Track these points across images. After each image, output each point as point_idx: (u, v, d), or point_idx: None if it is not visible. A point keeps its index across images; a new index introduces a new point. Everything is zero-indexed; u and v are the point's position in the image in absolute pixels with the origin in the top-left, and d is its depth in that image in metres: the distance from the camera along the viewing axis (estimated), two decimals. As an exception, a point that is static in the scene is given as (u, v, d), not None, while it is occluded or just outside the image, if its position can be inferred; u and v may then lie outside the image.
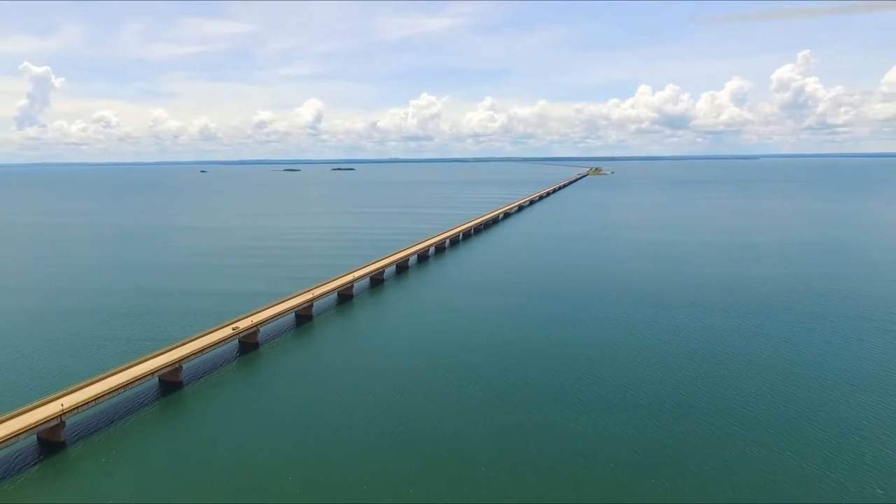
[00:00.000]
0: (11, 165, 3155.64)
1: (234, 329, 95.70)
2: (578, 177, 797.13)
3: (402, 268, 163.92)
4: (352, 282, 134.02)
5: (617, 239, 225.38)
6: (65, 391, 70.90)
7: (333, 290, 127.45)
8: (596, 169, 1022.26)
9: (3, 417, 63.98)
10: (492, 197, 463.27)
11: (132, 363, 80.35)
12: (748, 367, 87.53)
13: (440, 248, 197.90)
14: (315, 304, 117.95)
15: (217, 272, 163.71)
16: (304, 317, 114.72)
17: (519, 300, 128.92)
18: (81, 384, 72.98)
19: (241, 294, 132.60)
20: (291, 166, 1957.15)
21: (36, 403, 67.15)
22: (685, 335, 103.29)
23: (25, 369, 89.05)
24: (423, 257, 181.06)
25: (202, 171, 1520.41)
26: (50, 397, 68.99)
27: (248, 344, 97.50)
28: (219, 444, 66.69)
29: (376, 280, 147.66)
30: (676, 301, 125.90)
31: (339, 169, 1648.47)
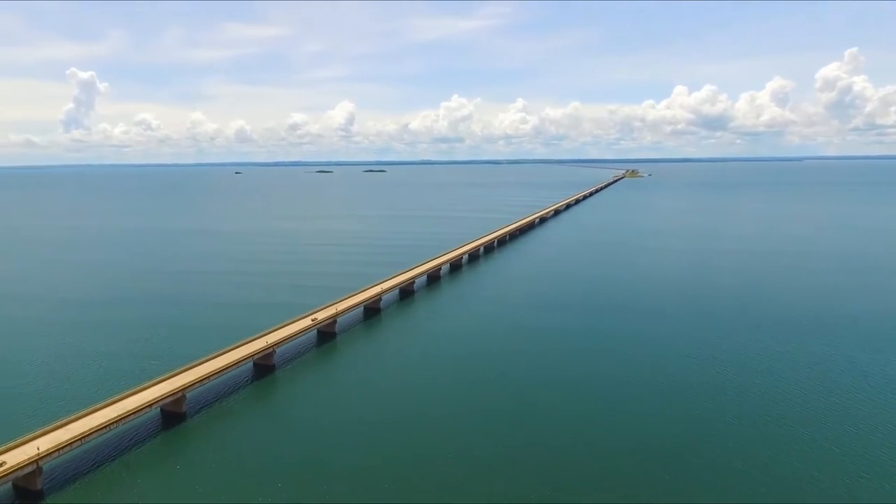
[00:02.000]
0: (58, 166, 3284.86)
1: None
2: (615, 179, 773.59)
3: (433, 278, 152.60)
4: (380, 294, 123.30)
5: (661, 246, 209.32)
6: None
7: (360, 303, 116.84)
8: (632, 171, 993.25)
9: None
10: (526, 199, 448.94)
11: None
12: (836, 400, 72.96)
13: (474, 257, 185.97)
14: (339, 319, 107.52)
15: (236, 282, 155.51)
16: (327, 334, 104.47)
17: (557, 314, 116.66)
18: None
19: (259, 309, 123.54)
20: (324, 168, 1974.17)
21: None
22: (741, 358, 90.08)
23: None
24: (455, 266, 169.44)
25: (237, 173, 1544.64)
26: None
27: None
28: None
29: (406, 292, 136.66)
30: (730, 320, 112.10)
31: (370, 170, 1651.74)
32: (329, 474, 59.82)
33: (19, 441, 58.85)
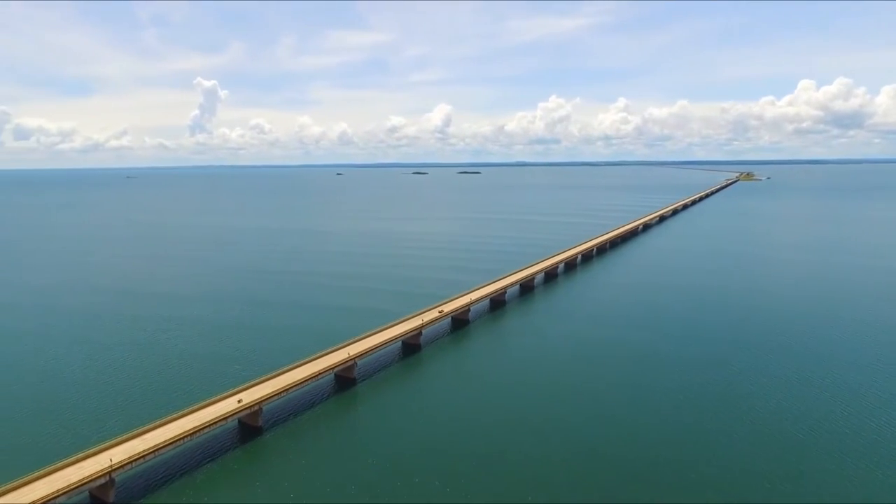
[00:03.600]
0: (185, 168, 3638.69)
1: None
2: (727, 183, 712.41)
3: (526, 288, 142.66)
4: (468, 304, 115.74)
5: (782, 259, 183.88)
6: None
7: (447, 314, 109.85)
8: (747, 174, 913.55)
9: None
10: (627, 204, 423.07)
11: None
12: None
13: (571, 265, 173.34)
14: (423, 331, 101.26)
15: (320, 287, 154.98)
16: (413, 345, 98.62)
17: (656, 338, 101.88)
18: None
19: (343, 315, 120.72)
20: (419, 169, 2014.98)
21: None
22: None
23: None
24: (550, 276, 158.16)
25: (338, 174, 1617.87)
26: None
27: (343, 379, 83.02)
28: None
29: (497, 302, 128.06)
30: (863, 355, 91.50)
31: (465, 172, 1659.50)
32: (407, 492, 57.57)
33: (94, 450, 57.86)
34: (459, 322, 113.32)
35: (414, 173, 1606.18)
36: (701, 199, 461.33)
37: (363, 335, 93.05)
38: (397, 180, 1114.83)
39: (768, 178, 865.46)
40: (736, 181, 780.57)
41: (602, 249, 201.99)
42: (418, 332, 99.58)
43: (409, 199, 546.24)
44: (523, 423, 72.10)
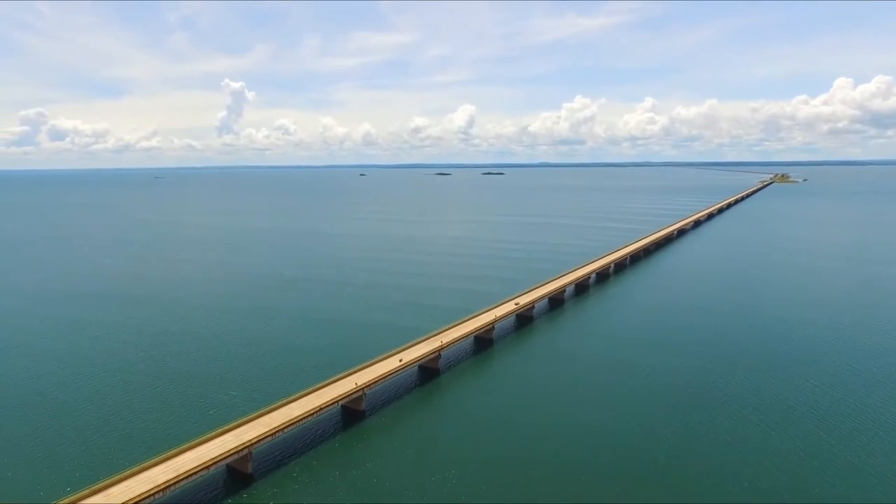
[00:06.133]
0: (212, 168, 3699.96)
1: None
2: (762, 185, 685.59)
3: (556, 301, 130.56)
4: (493, 322, 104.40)
5: (831, 268, 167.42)
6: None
7: (469, 333, 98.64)
8: (782, 175, 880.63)
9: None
10: (657, 207, 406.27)
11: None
12: None
13: (603, 276, 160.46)
14: (443, 353, 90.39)
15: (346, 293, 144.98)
16: (430, 370, 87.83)
17: (700, 363, 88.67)
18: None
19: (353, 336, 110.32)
20: (443, 170, 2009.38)
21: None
22: None
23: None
24: (582, 287, 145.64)
25: (361, 175, 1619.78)
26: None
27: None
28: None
29: (523, 318, 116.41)
30: None
31: (488, 173, 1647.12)
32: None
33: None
34: (483, 342, 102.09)
35: (437, 174, 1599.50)
36: (737, 201, 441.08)
37: (373, 360, 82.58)
38: (421, 181, 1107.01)
39: (805, 180, 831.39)
40: (771, 183, 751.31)
41: (636, 258, 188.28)
42: (437, 355, 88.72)
43: (431, 201, 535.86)
44: (556, 469, 60.79)
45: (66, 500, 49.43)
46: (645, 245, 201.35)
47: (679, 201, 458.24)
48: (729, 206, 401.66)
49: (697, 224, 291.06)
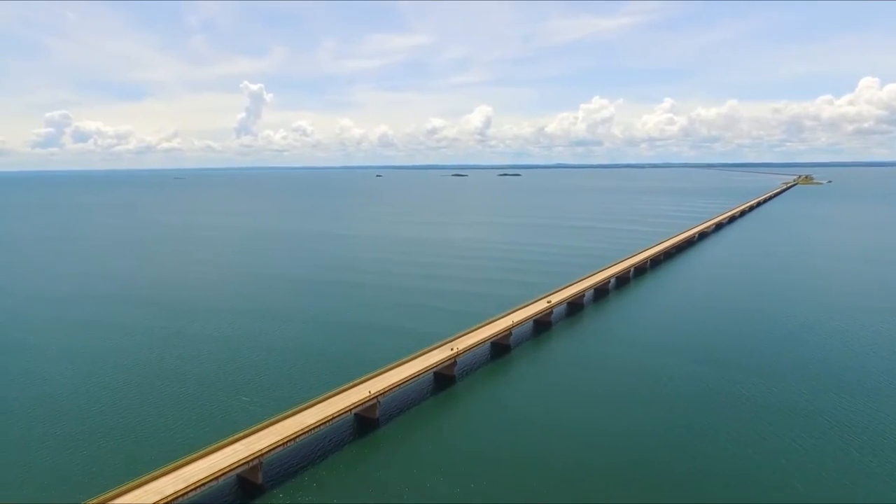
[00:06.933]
0: (230, 169, 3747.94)
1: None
2: (785, 186, 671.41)
3: (574, 306, 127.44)
4: (510, 328, 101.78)
5: (865, 276, 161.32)
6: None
7: (486, 339, 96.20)
8: (806, 177, 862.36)
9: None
10: (677, 209, 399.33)
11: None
12: None
13: (623, 280, 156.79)
14: (458, 360, 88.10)
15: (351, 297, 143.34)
16: (445, 377, 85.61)
17: (724, 373, 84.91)
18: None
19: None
20: (459, 171, 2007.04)
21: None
22: None
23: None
24: (601, 292, 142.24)
25: (377, 176, 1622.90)
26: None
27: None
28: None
29: (541, 324, 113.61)
30: None
31: (505, 174, 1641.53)
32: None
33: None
34: (500, 348, 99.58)
35: (453, 175, 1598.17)
36: (759, 203, 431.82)
37: (388, 367, 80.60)
38: (437, 182, 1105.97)
39: (829, 182, 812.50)
40: (794, 185, 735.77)
41: (656, 261, 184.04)
42: (452, 362, 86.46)
43: (448, 202, 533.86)
44: (575, 479, 58.21)
45: (73, 511, 48.14)
46: (665, 248, 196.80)
47: (699, 203, 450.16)
48: (751, 208, 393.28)
49: (719, 227, 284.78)
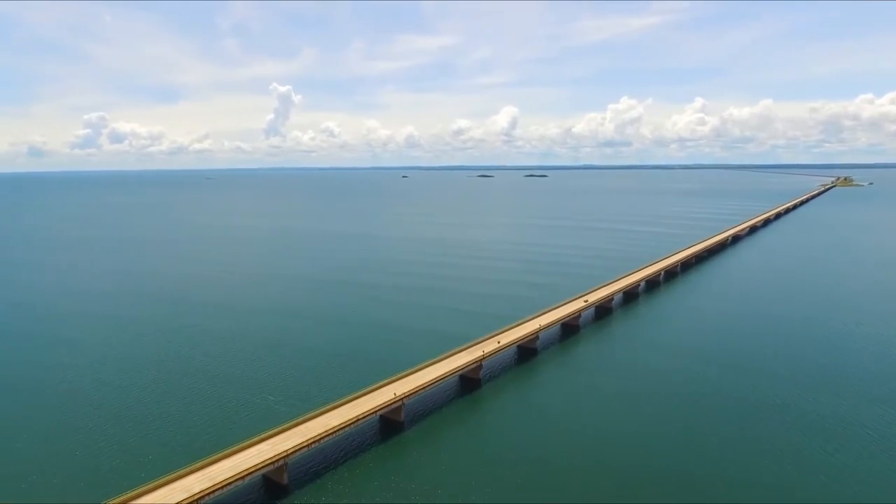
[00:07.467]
0: (259, 169, 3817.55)
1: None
2: (823, 189, 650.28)
3: (603, 310, 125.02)
4: (537, 331, 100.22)
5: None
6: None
7: (512, 342, 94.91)
8: (844, 178, 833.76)
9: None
10: (709, 211, 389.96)
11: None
12: None
13: (653, 284, 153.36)
14: (484, 363, 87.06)
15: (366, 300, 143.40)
16: (471, 380, 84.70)
17: (757, 381, 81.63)
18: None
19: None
20: (485, 172, 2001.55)
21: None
22: None
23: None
24: (630, 295, 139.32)
25: (403, 177, 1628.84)
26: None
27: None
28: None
29: (569, 328, 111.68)
30: None
31: (531, 175, 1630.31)
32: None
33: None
34: (526, 352, 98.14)
35: (479, 176, 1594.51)
36: (795, 206, 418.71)
37: (413, 369, 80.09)
38: (463, 183, 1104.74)
39: (871, 184, 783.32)
40: (832, 187, 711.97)
41: (687, 265, 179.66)
42: (478, 365, 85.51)
43: (473, 203, 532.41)
44: (603, 485, 56.63)
45: (102, 507, 48.82)
46: (697, 252, 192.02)
47: (732, 205, 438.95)
48: (787, 210, 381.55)
49: (753, 230, 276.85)
